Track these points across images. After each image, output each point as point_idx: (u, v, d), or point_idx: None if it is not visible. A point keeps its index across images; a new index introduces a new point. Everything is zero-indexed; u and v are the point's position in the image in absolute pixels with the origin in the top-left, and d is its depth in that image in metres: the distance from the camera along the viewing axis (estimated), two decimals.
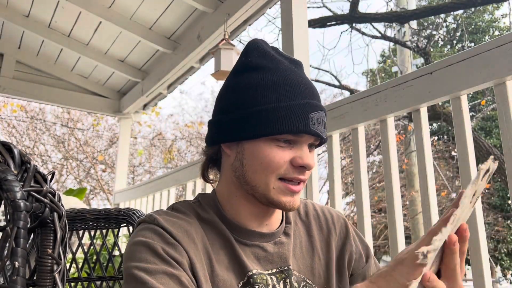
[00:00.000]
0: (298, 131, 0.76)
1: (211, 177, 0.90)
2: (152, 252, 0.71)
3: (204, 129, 13.05)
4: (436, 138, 10.85)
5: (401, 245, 1.47)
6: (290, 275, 0.81)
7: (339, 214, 0.95)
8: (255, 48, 0.84)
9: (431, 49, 9.82)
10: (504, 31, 12.00)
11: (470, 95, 9.76)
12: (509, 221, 11.55)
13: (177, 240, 0.73)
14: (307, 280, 0.83)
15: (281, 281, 0.80)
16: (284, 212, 0.89)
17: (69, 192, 3.78)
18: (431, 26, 10.06)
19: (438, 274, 0.61)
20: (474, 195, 0.61)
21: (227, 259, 0.78)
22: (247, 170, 0.79)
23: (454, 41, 11.95)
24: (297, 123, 0.76)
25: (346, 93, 10.14)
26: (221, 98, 0.84)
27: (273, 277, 0.80)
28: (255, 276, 0.77)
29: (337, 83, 8.60)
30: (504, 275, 12.72)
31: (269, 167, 0.76)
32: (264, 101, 0.77)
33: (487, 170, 0.61)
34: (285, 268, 0.82)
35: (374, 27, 7.03)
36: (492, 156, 0.62)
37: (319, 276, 0.85)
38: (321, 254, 0.88)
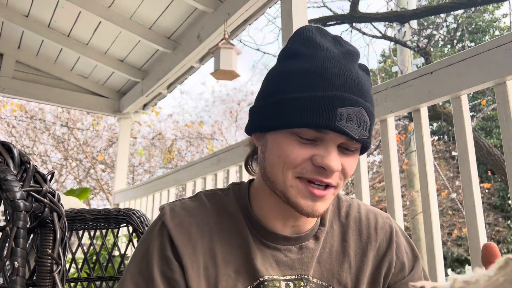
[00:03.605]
0: (319, 126, 0.65)
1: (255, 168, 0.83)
2: (148, 269, 0.72)
3: (204, 129, 13.07)
4: (436, 138, 10.83)
5: None
6: (309, 284, 0.76)
7: (387, 221, 0.85)
8: (297, 34, 0.76)
9: (431, 49, 9.82)
10: (504, 31, 11.99)
11: (470, 95, 9.76)
12: (509, 222, 11.54)
13: (176, 248, 0.72)
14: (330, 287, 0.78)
15: None
16: None
17: (71, 192, 3.78)
18: (431, 26, 10.05)
19: None
20: None
21: (240, 261, 0.74)
22: (267, 165, 0.73)
23: (454, 41, 11.94)
24: (319, 116, 0.65)
25: None
26: (260, 86, 0.79)
27: (290, 283, 0.75)
28: (266, 283, 0.73)
29: None
30: None
31: (285, 163, 0.69)
32: (286, 90, 0.69)
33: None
34: (305, 276, 0.76)
35: (374, 27, 7.03)
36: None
37: (345, 284, 0.77)
38: (353, 261, 0.79)
